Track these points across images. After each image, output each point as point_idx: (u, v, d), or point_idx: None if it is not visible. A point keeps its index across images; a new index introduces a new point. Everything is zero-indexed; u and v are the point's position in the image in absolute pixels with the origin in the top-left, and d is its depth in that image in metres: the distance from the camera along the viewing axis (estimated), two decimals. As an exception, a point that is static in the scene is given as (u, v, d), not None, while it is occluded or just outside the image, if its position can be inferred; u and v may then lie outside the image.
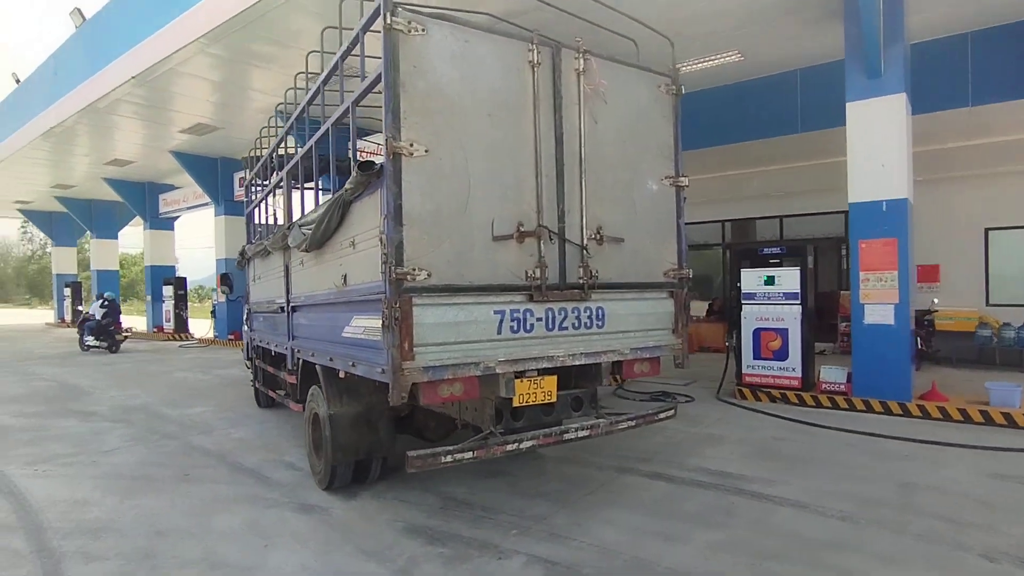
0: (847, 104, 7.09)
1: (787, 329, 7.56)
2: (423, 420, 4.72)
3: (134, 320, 22.51)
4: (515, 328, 3.40)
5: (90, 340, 14.41)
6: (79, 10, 11.50)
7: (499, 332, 3.35)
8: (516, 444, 3.43)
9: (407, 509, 4.16)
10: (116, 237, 22.43)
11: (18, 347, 16.87)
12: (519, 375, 3.51)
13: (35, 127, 13.64)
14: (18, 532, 3.85)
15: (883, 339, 6.87)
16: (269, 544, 3.63)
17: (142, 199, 19.04)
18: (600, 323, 3.75)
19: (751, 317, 7.84)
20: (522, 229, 3.42)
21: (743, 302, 7.91)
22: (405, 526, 3.86)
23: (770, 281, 7.69)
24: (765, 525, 3.81)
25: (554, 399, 3.66)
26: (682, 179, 4.13)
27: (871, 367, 6.96)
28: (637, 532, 3.72)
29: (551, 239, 3.52)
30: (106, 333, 14.45)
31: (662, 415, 4.22)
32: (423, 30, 3.14)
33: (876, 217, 6.90)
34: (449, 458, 3.22)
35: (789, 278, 7.57)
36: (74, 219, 21.96)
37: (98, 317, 14.48)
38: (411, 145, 3.07)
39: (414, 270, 3.06)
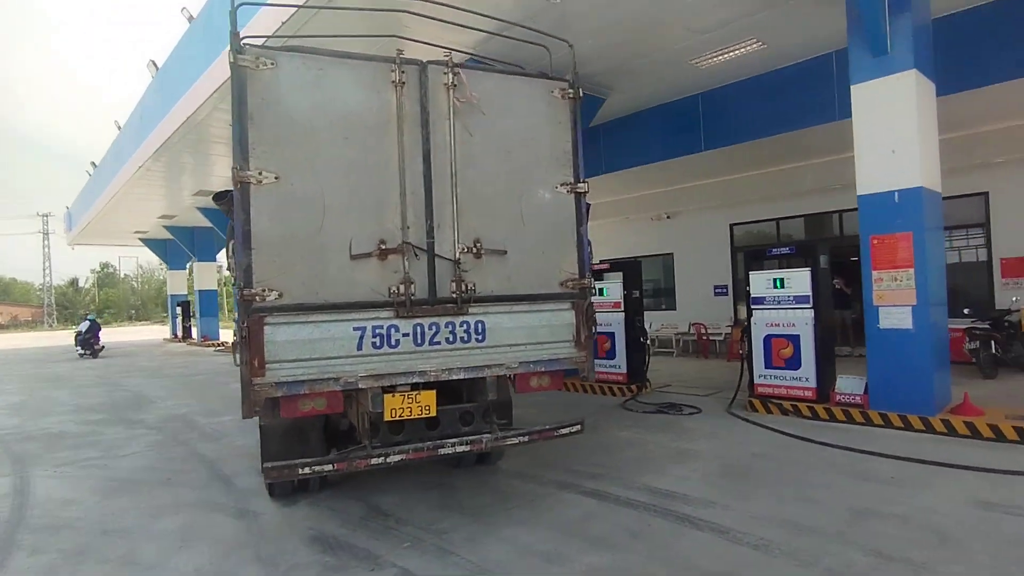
0: (851, 87, 6.46)
1: (799, 335, 6.96)
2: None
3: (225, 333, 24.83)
4: (378, 344, 3.47)
5: (79, 350, 19.31)
6: (153, 62, 12.99)
7: (359, 348, 3.43)
8: (382, 458, 3.48)
9: (330, 517, 4.32)
10: (215, 260, 24.80)
11: (126, 362, 19.12)
12: (388, 390, 3.56)
13: (130, 166, 15.52)
14: (-1, 526, 4.44)
15: (900, 346, 6.14)
16: (184, 546, 3.93)
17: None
18: (480, 337, 3.71)
19: (761, 323, 7.30)
20: (384, 247, 3.49)
21: (752, 307, 7.40)
22: (314, 534, 4.01)
23: (779, 284, 7.13)
24: (664, 551, 3.58)
25: (433, 413, 3.67)
26: (580, 185, 3.99)
27: (888, 377, 6.24)
28: (524, 551, 3.63)
29: (416, 255, 3.56)
30: (87, 344, 19.25)
31: (563, 430, 4.07)
32: (272, 64, 3.32)
33: (888, 209, 6.20)
34: (307, 470, 3.35)
35: (799, 280, 6.99)
36: (181, 245, 24.61)
37: (83, 332, 19.30)
38: (259, 173, 3.26)
39: (264, 291, 3.23)
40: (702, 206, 14.35)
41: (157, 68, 12.91)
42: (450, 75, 3.69)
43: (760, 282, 7.33)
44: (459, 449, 3.66)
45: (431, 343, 3.60)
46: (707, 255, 14.45)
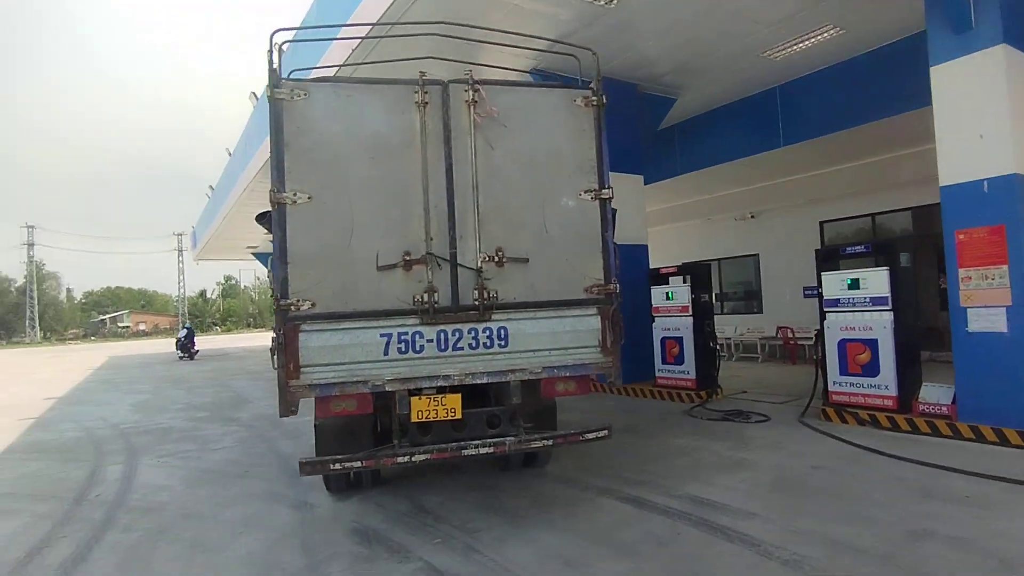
0: (931, 69, 5.94)
1: (876, 340, 6.46)
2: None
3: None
4: (403, 349, 3.69)
5: (178, 353, 23.72)
6: (254, 93, 14.30)
7: (386, 353, 3.66)
8: (408, 457, 3.68)
9: (375, 512, 4.60)
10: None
11: (240, 365, 20.99)
12: (415, 392, 3.76)
13: (239, 187, 17.13)
14: (103, 506, 5.12)
15: (993, 351, 5.55)
16: (244, 532, 4.35)
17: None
18: (503, 342, 3.83)
19: (835, 326, 6.85)
20: (408, 258, 3.71)
21: (825, 309, 6.95)
22: (356, 527, 4.30)
23: (854, 285, 6.66)
24: (687, 561, 3.50)
25: (459, 416, 3.83)
26: (605, 191, 4.00)
27: (980, 386, 5.65)
28: (548, 554, 3.69)
29: (439, 265, 3.74)
30: (185, 348, 23.57)
31: (589, 435, 4.09)
32: (305, 94, 3.65)
33: (976, 200, 5.63)
34: (337, 465, 3.62)
35: (876, 280, 6.49)
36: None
37: (182, 338, 23.93)
38: (294, 194, 3.58)
39: (298, 301, 3.55)
40: (789, 204, 13.57)
41: (257, 98, 14.17)
42: (471, 92, 3.86)
43: (833, 283, 6.88)
44: (482, 451, 3.79)
45: (454, 348, 3.77)
46: (795, 255, 13.60)
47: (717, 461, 5.50)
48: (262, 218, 3.87)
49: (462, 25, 4.33)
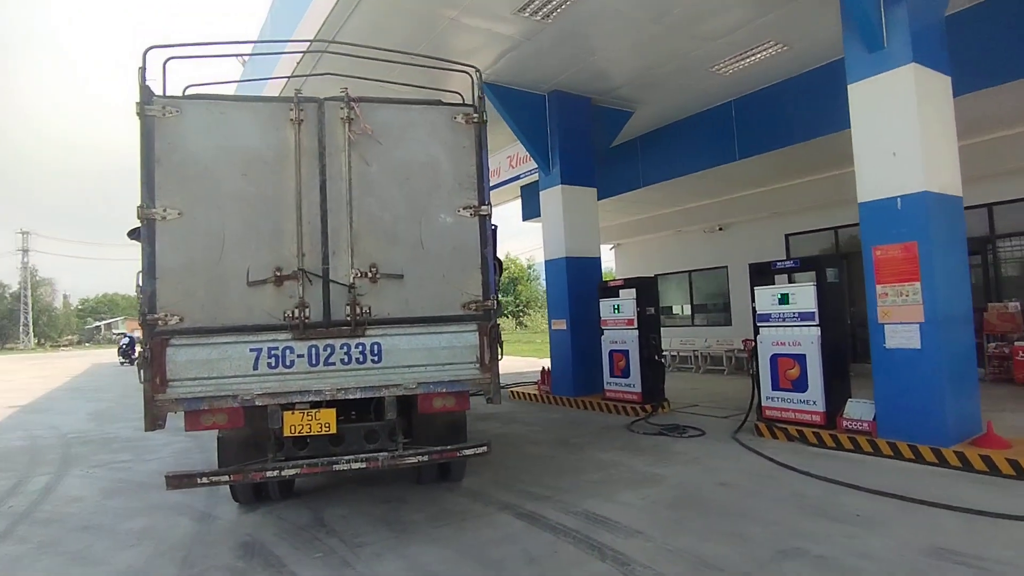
0: (849, 87, 5.98)
1: (804, 355, 6.46)
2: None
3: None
4: (273, 364, 3.71)
5: (120, 359, 26.14)
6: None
7: (256, 368, 3.68)
8: (277, 471, 3.69)
9: (272, 524, 4.58)
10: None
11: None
12: (288, 407, 3.78)
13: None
14: (9, 518, 5.12)
15: (908, 367, 5.54)
16: (134, 545, 4.34)
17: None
18: (376, 358, 3.85)
19: (767, 341, 6.85)
20: (280, 273, 3.74)
21: (758, 324, 6.96)
22: (246, 540, 4.28)
23: (784, 300, 6.67)
24: None
25: (333, 430, 3.84)
26: (484, 208, 4.03)
27: (897, 402, 5.64)
28: (416, 570, 3.68)
29: (311, 281, 3.77)
30: (126, 355, 25.59)
31: (467, 451, 4.10)
32: (177, 111, 3.70)
33: (890, 217, 5.65)
34: (205, 479, 3.63)
35: (804, 295, 6.50)
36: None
37: (123, 346, 26.26)
38: (164, 210, 3.62)
39: (166, 316, 3.57)
40: (754, 216, 13.59)
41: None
42: (346, 109, 3.90)
43: (765, 298, 6.90)
44: (354, 466, 3.80)
45: (326, 364, 3.79)
46: (761, 268, 13.62)
47: (630, 477, 5.49)
48: (133, 233, 3.90)
49: (348, 44, 4.38)
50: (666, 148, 11.80)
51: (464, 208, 4.02)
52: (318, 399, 3.77)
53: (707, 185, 12.46)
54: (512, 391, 11.56)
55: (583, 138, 10.07)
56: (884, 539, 3.78)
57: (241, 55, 3.81)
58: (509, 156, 11.60)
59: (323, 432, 3.84)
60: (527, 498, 4.96)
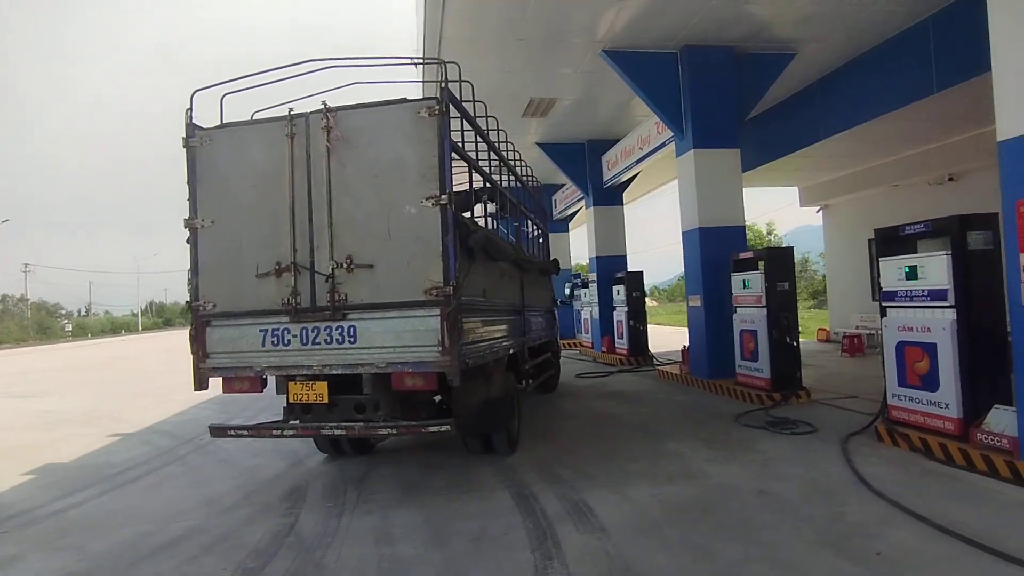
0: (986, -12, 4.41)
1: (935, 344, 5.08)
2: None
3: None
4: (276, 342, 4.47)
5: None
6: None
7: (263, 345, 4.49)
8: (280, 431, 4.48)
9: (329, 474, 5.48)
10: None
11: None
12: (292, 378, 4.53)
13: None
14: (173, 453, 6.98)
15: (1061, 367, 4.00)
16: (240, 475, 5.63)
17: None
18: (352, 339, 4.33)
19: (893, 325, 5.53)
20: (279, 266, 4.47)
21: (883, 303, 5.65)
22: (301, 484, 5.21)
23: (912, 273, 5.30)
24: (460, 561, 3.59)
25: (326, 400, 4.48)
26: (443, 197, 4.18)
27: (1045, 414, 4.13)
28: (379, 530, 4.10)
29: (299, 272, 4.42)
30: None
31: (432, 428, 4.35)
32: (211, 139, 4.64)
33: (1042, 159, 4.08)
34: (232, 432, 4.59)
35: (935, 268, 5.08)
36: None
37: None
38: (203, 220, 4.62)
39: (205, 303, 4.59)
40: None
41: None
42: (324, 119, 4.40)
43: (890, 271, 5.54)
44: (336, 432, 4.39)
45: (313, 343, 4.41)
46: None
47: (671, 471, 5.08)
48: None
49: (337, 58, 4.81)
50: (850, 89, 9.78)
51: (427, 199, 4.23)
52: (310, 373, 4.43)
53: (929, 126, 10.00)
54: (660, 370, 11.10)
55: (723, 95, 9.01)
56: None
57: (268, 82, 4.47)
58: (656, 123, 10.87)
59: (319, 402, 4.50)
60: (544, 480, 5.00)
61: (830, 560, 3.26)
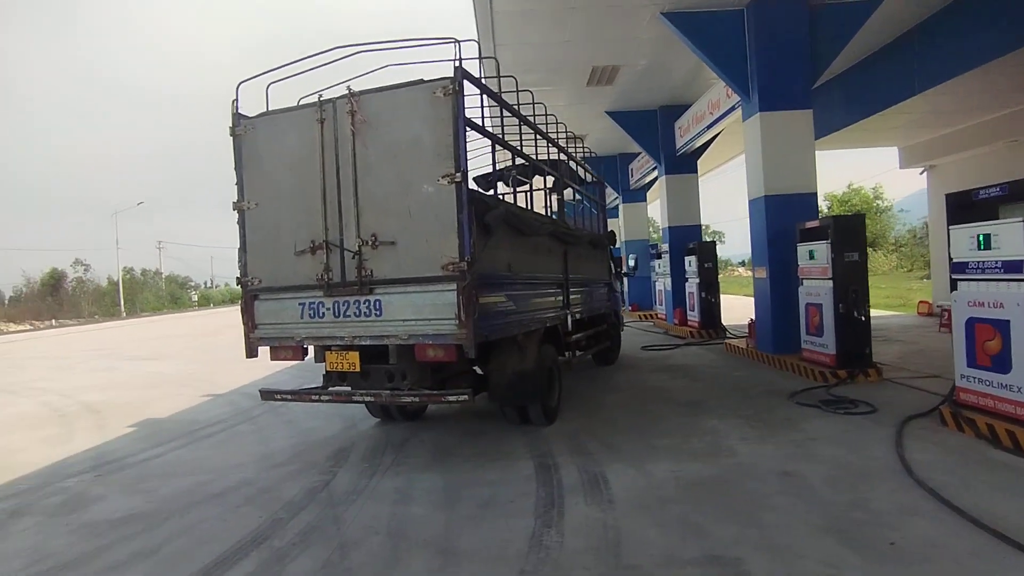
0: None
1: (1008, 321, 4.58)
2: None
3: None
4: (312, 315, 4.82)
5: None
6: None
7: (301, 317, 4.86)
8: (318, 397, 4.86)
9: (376, 437, 5.86)
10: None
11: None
12: (328, 348, 4.88)
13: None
14: (238, 416, 7.67)
15: None
16: (297, 436, 6.17)
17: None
18: (378, 312, 4.58)
19: (963, 300, 5.04)
20: (313, 245, 4.79)
21: (953, 276, 5.15)
22: (347, 445, 5.64)
23: (984, 243, 4.78)
24: (452, 527, 3.73)
25: (358, 369, 4.79)
26: (458, 175, 4.27)
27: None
28: (401, 491, 4.38)
29: (330, 250, 4.71)
30: None
31: (450, 397, 4.52)
32: (253, 127, 5.01)
33: None
34: (279, 397, 5.03)
35: (1010, 237, 4.55)
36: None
37: None
38: (248, 203, 5.03)
39: (252, 279, 5.02)
40: None
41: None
42: (349, 103, 4.60)
43: (961, 240, 5.01)
44: (366, 399, 4.71)
45: (344, 316, 4.70)
46: None
47: (700, 449, 5.00)
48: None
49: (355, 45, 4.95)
50: (955, 33, 8.72)
51: (443, 177, 4.34)
52: (342, 344, 4.75)
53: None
54: (727, 344, 10.69)
55: (794, 52, 8.35)
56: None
57: (306, 70, 4.66)
58: (726, 86, 10.24)
59: (352, 370, 4.82)
60: (570, 451, 5.08)
61: (830, 547, 3.12)
